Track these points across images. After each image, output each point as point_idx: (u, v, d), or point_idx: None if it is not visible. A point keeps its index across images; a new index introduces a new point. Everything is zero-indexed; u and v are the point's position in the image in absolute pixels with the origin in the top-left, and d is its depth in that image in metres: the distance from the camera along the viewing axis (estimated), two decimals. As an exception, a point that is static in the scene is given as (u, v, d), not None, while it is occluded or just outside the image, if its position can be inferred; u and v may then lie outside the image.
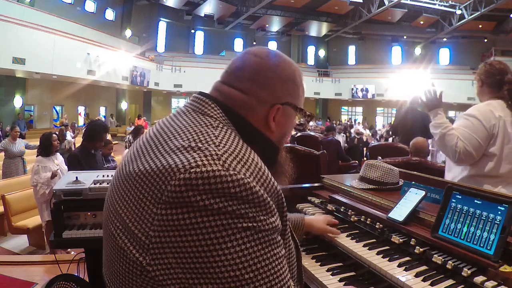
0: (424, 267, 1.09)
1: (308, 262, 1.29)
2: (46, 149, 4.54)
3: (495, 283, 0.93)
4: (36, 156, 4.64)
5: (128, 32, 20.70)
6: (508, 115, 1.92)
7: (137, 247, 0.63)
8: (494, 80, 2.00)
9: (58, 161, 4.69)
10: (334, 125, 15.53)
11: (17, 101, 14.04)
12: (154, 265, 0.62)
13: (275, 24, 25.39)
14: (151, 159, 0.68)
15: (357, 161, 7.04)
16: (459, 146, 1.88)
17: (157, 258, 0.61)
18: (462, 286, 0.98)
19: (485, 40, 23.35)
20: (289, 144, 4.95)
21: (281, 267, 0.65)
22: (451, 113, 19.19)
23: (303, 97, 0.87)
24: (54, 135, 4.81)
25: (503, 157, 1.89)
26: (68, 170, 3.31)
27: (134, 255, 0.64)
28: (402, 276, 1.05)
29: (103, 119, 18.57)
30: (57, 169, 4.44)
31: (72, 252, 3.27)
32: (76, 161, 3.51)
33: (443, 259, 1.06)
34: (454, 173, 2.05)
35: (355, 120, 22.36)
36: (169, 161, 0.64)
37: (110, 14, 20.52)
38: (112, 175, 2.18)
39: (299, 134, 7.40)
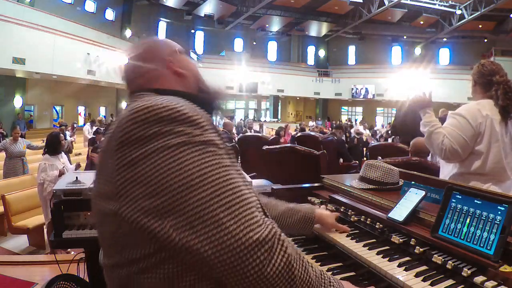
0: (424, 267, 1.09)
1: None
2: (53, 147, 4.61)
3: (495, 283, 0.93)
4: (43, 155, 4.70)
5: (128, 32, 20.69)
6: (496, 114, 1.95)
7: (110, 201, 0.72)
8: (485, 80, 2.05)
9: (64, 160, 4.76)
10: (334, 125, 15.53)
11: (17, 101, 14.04)
12: (123, 206, 0.70)
13: (275, 24, 25.38)
14: (107, 134, 0.80)
15: (357, 161, 7.05)
16: (445, 143, 1.92)
17: (123, 199, 0.70)
18: (462, 286, 0.98)
19: (485, 40, 23.35)
20: (289, 144, 4.96)
21: (230, 173, 0.71)
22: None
23: (172, 43, 1.03)
24: (61, 134, 4.91)
25: (490, 155, 1.92)
26: None
27: (110, 209, 0.72)
28: (402, 276, 1.05)
29: (103, 119, 18.58)
30: (64, 168, 4.48)
31: (72, 252, 3.27)
32: None
33: (443, 259, 1.06)
34: (446, 171, 2.09)
35: (355, 120, 22.35)
36: (118, 120, 0.77)
37: (110, 14, 20.52)
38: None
39: (299, 134, 7.38)
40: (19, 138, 6.59)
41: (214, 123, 0.81)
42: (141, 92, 0.89)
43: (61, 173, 4.34)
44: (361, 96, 23.76)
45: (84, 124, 14.68)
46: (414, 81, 19.16)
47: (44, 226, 4.60)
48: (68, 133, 9.12)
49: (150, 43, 1.03)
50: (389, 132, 10.34)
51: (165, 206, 0.67)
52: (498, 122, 1.93)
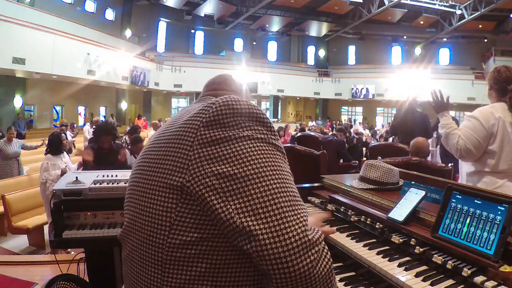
0: (424, 267, 1.09)
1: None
2: (56, 147, 4.63)
3: (495, 283, 0.93)
4: (45, 154, 4.71)
5: (128, 32, 20.67)
6: (508, 116, 2.09)
7: (177, 173, 0.75)
8: (500, 87, 2.19)
9: (66, 159, 4.77)
10: (334, 125, 15.53)
11: (17, 101, 14.02)
12: (192, 180, 0.73)
13: (275, 24, 25.37)
14: (179, 122, 0.84)
15: (357, 161, 7.05)
16: (460, 144, 2.12)
17: (195, 172, 0.73)
18: (462, 286, 0.98)
19: (485, 40, 23.34)
20: (289, 144, 4.95)
21: (291, 180, 0.78)
22: (451, 113, 19.16)
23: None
24: (63, 134, 4.90)
25: (503, 155, 2.07)
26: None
27: (174, 180, 0.75)
28: (402, 276, 1.05)
29: (103, 119, 18.57)
30: (66, 167, 4.49)
31: (72, 252, 3.27)
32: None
33: (443, 259, 1.06)
34: (465, 169, 2.27)
35: (354, 120, 22.35)
36: (204, 105, 0.81)
37: (110, 14, 20.50)
38: (112, 175, 2.18)
39: (299, 134, 7.38)
40: (14, 139, 6.51)
41: None
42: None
43: (63, 173, 4.35)
44: (361, 96, 23.74)
45: (84, 124, 14.68)
46: (414, 81, 19.15)
47: (46, 226, 4.60)
48: (69, 133, 9.10)
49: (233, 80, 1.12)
50: (389, 132, 10.33)
51: (235, 189, 0.71)
52: (510, 123, 2.08)
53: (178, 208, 0.73)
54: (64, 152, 4.85)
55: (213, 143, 0.74)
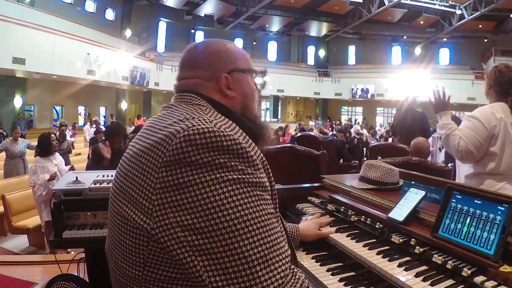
0: (424, 267, 1.09)
1: (308, 262, 1.28)
2: (45, 149, 4.53)
3: (495, 283, 0.93)
4: (34, 157, 4.62)
5: (128, 32, 20.68)
6: (509, 117, 2.06)
7: (141, 214, 0.68)
8: (501, 88, 2.14)
9: (57, 161, 4.68)
10: (334, 125, 15.52)
11: (17, 101, 14.03)
12: (157, 228, 0.66)
13: (275, 24, 25.37)
14: (148, 138, 0.76)
15: (357, 161, 7.05)
16: (461, 145, 2.06)
17: (159, 220, 0.66)
18: (462, 286, 0.98)
19: (485, 40, 23.35)
20: (289, 144, 4.95)
21: (272, 222, 0.69)
22: (453, 113, 19.19)
23: (248, 61, 0.95)
24: (53, 135, 4.79)
25: (503, 156, 2.03)
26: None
27: (139, 222, 0.68)
28: (402, 276, 1.05)
29: (103, 119, 18.58)
30: (56, 171, 4.42)
31: (72, 252, 3.27)
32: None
33: (443, 259, 1.06)
34: (463, 171, 2.24)
35: (355, 120, 22.36)
36: (166, 132, 0.72)
37: (110, 14, 20.51)
38: (112, 175, 2.18)
39: (299, 134, 7.38)
40: (19, 138, 6.63)
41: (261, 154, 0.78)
42: (196, 95, 0.85)
43: (52, 178, 4.28)
44: (361, 96, 23.74)
45: (84, 124, 14.67)
46: (414, 81, 19.14)
47: (42, 227, 4.58)
48: (69, 133, 9.09)
49: (222, 46, 0.92)
50: (389, 132, 10.34)
51: (201, 244, 0.64)
52: (511, 124, 2.04)
53: (150, 247, 0.68)
54: (56, 154, 4.76)
55: (177, 188, 0.66)
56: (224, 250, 0.63)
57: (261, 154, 0.77)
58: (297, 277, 0.71)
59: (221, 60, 0.89)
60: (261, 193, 0.70)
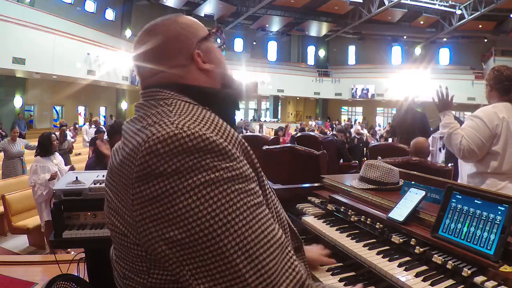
0: (424, 267, 1.09)
1: (308, 262, 1.28)
2: (45, 149, 4.54)
3: (495, 283, 0.93)
4: (35, 156, 4.64)
5: (128, 32, 20.67)
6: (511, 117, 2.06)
7: (130, 229, 0.69)
8: (502, 86, 2.15)
9: (57, 161, 4.69)
10: (334, 125, 15.51)
11: (17, 101, 14.03)
12: (142, 243, 0.66)
13: (275, 24, 25.36)
14: (122, 148, 0.73)
15: (357, 161, 7.05)
16: (463, 144, 2.07)
17: (144, 236, 0.65)
18: (462, 286, 0.98)
19: (485, 40, 23.34)
20: (289, 144, 4.95)
21: (256, 215, 0.66)
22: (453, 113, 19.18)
23: (202, 26, 0.89)
24: (53, 135, 4.80)
25: (506, 156, 2.03)
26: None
27: (129, 237, 0.69)
28: (402, 276, 1.05)
29: (102, 119, 18.58)
30: (56, 171, 4.43)
31: (72, 252, 3.27)
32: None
33: (443, 259, 1.06)
34: (465, 170, 2.24)
35: (355, 120, 22.36)
36: (133, 142, 0.69)
37: (110, 14, 20.50)
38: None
39: (299, 134, 7.39)
40: (18, 138, 6.54)
41: (240, 138, 0.73)
42: (161, 88, 0.79)
43: (53, 177, 4.29)
44: (361, 96, 23.74)
45: (84, 124, 14.68)
46: (414, 81, 19.15)
47: (41, 227, 4.58)
48: (69, 133, 9.07)
49: (177, 25, 0.85)
50: (389, 132, 10.33)
51: (186, 253, 0.62)
52: None
53: (149, 256, 0.68)
54: (56, 154, 4.76)
55: (152, 201, 0.63)
56: (209, 257, 0.62)
57: (238, 138, 0.72)
58: (296, 271, 0.67)
59: (187, 39, 0.84)
60: (240, 185, 0.65)
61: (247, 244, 0.63)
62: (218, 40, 0.92)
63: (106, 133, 4.30)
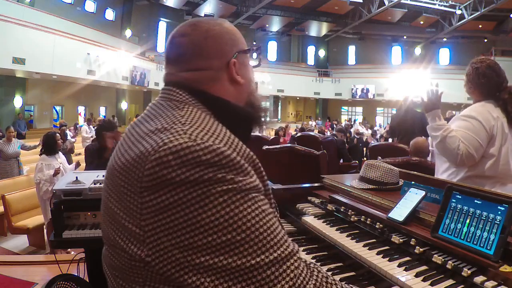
0: (424, 267, 1.09)
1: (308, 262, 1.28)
2: (50, 148, 4.62)
3: (495, 283, 0.93)
4: (40, 155, 4.71)
5: (128, 32, 20.69)
6: (502, 116, 1.92)
7: (134, 241, 0.64)
8: (480, 83, 1.97)
9: (61, 160, 4.76)
10: (334, 125, 15.50)
11: (17, 101, 14.03)
12: (153, 254, 0.62)
13: (275, 24, 25.38)
14: (126, 151, 0.70)
15: (357, 161, 7.06)
16: (461, 148, 1.82)
17: (153, 246, 0.62)
18: (462, 286, 0.98)
19: (485, 40, 23.35)
20: (289, 144, 4.95)
21: (273, 222, 0.65)
22: (453, 113, 19.21)
23: (242, 38, 0.88)
24: (57, 134, 4.90)
25: (500, 158, 1.87)
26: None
27: (133, 250, 0.64)
28: (402, 276, 1.05)
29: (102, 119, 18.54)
30: (59, 167, 4.49)
31: (72, 252, 3.27)
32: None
33: (443, 259, 1.06)
34: (447, 175, 1.98)
35: (354, 121, 22.38)
36: (140, 148, 0.66)
37: (110, 14, 20.51)
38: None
39: (299, 134, 7.38)
40: (13, 139, 6.40)
41: (249, 151, 0.72)
42: (179, 89, 0.77)
43: (56, 173, 4.35)
44: (361, 96, 23.75)
45: (83, 125, 14.68)
46: (414, 81, 19.15)
47: (44, 226, 4.60)
48: (70, 133, 9.08)
49: (222, 28, 0.82)
50: (389, 132, 10.33)
51: (204, 261, 0.60)
52: (506, 124, 1.90)
53: (147, 268, 0.64)
54: (60, 153, 4.83)
55: (165, 210, 0.61)
56: (229, 263, 0.60)
57: (249, 152, 0.71)
58: (311, 270, 0.68)
59: (228, 45, 0.81)
60: (255, 194, 0.65)
61: (271, 249, 0.63)
62: (255, 59, 0.90)
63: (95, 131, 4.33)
